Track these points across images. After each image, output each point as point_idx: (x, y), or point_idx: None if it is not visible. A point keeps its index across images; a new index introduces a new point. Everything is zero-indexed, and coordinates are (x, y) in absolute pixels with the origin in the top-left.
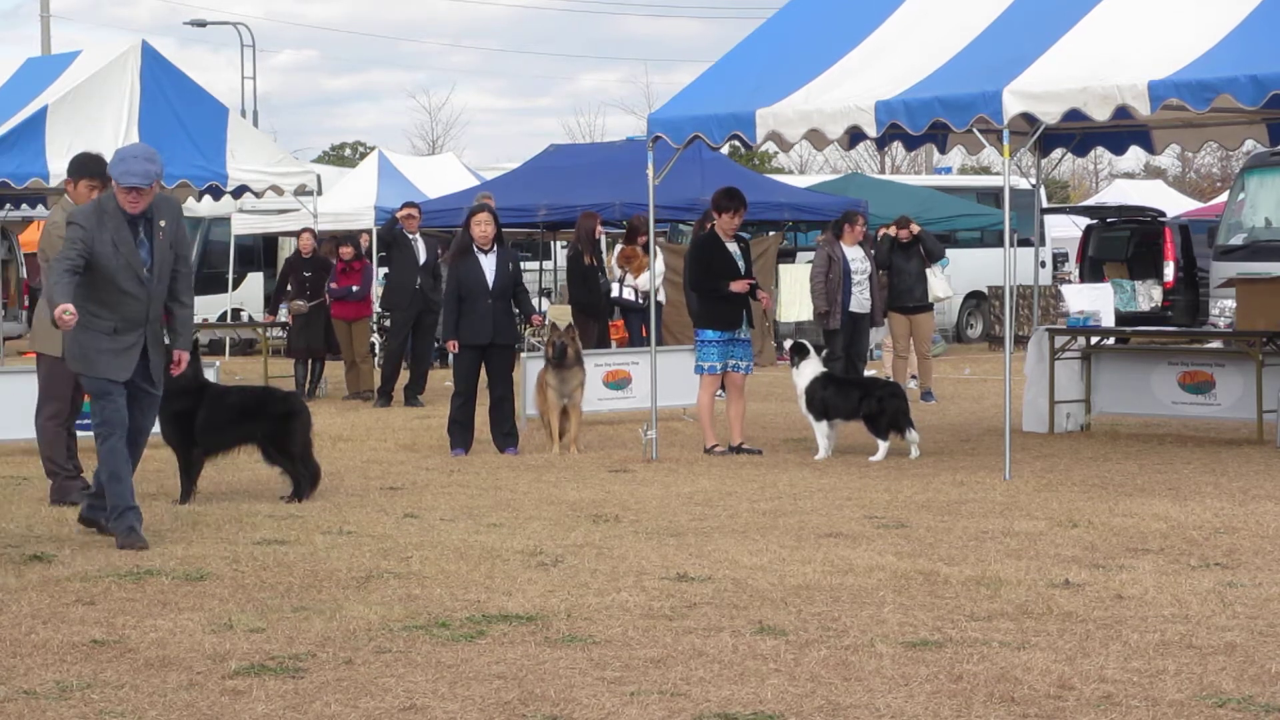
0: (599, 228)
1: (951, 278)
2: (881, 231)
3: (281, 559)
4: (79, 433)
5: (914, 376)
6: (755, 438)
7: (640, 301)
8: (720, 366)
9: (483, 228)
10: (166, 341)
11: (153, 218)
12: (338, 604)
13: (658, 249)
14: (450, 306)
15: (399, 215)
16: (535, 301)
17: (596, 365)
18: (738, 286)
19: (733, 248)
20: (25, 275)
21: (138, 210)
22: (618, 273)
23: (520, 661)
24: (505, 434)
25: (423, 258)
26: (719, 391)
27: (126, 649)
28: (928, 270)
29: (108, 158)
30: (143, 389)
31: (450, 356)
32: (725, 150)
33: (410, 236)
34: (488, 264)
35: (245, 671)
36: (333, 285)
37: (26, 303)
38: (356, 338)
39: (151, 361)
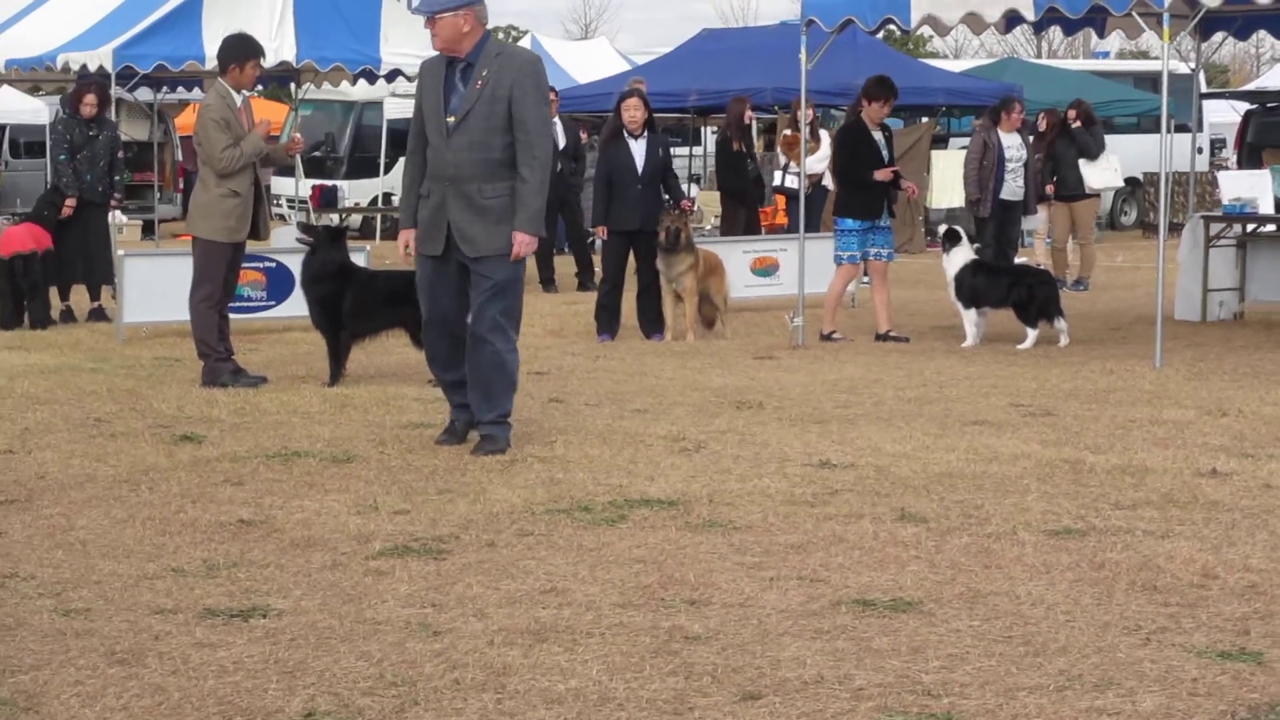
0: (748, 113)
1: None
2: (1043, 118)
3: (427, 442)
4: (231, 315)
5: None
6: (903, 325)
7: (808, 189)
8: (860, 255)
9: (632, 113)
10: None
11: (475, 64)
12: (481, 487)
13: (825, 135)
14: (600, 193)
15: None
16: (685, 188)
17: (745, 251)
18: (882, 175)
19: (878, 136)
20: (181, 158)
21: (439, 46)
22: (781, 160)
23: (661, 546)
24: (652, 320)
25: (562, 142)
26: (864, 278)
27: (273, 529)
28: (1081, 160)
29: (261, 39)
30: (464, 265)
31: (598, 242)
32: (880, 35)
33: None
34: (638, 150)
35: (389, 553)
36: None
37: (181, 185)
38: None
39: (453, 224)
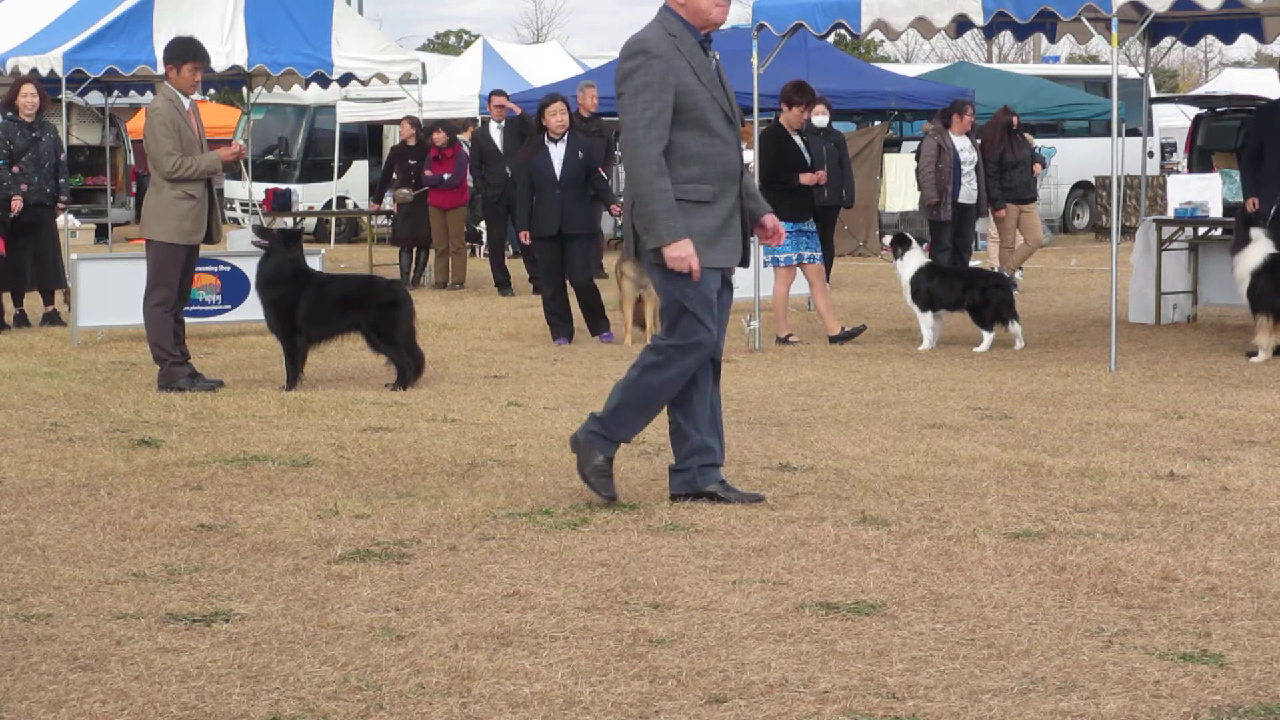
0: None
1: (1058, 168)
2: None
3: (387, 446)
4: (186, 319)
5: (1020, 269)
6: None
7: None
8: (795, 259)
9: (559, 117)
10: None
11: (706, 44)
12: (442, 491)
13: None
14: (523, 198)
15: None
16: None
17: None
18: (808, 179)
19: (798, 140)
20: (133, 162)
21: (727, 13)
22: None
23: (623, 549)
24: (597, 318)
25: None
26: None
27: (233, 533)
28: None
29: (210, 45)
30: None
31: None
32: (831, 39)
33: (496, 124)
34: (556, 154)
35: (351, 557)
36: (426, 173)
37: (134, 189)
38: (451, 226)
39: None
